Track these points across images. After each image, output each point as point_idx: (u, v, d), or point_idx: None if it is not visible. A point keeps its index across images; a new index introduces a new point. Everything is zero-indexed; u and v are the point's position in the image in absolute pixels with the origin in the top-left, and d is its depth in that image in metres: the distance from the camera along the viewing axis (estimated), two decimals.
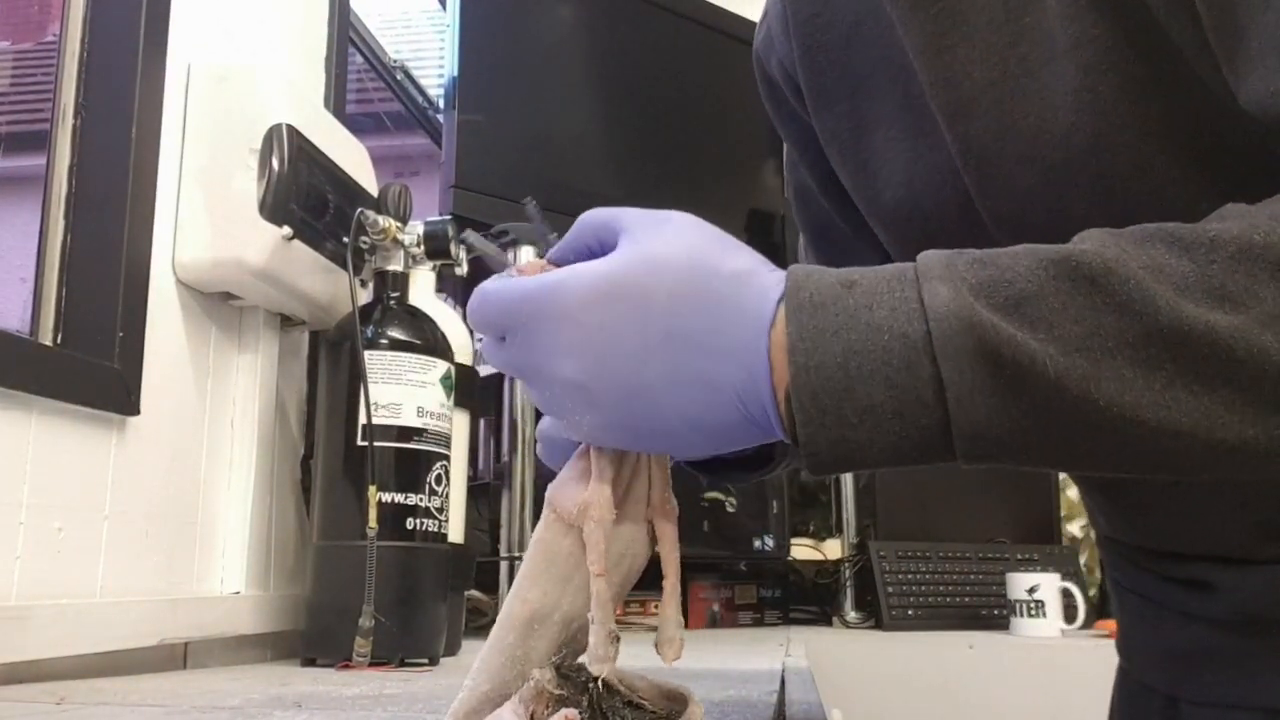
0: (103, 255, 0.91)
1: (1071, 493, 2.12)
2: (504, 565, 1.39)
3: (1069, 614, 1.73)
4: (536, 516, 0.48)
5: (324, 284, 1.11)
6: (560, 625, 0.43)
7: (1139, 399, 0.35)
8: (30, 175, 1.10)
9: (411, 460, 1.01)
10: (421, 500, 1.01)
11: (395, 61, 1.89)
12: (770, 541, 1.82)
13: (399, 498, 0.99)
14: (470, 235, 0.55)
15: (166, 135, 0.98)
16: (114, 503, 0.89)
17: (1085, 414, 0.35)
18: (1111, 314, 0.35)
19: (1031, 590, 1.73)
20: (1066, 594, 1.73)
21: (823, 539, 2.04)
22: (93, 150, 0.93)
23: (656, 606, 0.45)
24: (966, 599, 1.88)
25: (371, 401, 0.98)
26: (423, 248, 1.09)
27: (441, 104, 1.69)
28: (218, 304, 1.07)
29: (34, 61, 1.68)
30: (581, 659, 0.42)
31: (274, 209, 1.00)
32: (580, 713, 0.40)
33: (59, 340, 0.90)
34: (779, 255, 0.42)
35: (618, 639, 0.42)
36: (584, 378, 0.39)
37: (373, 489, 0.96)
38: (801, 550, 1.99)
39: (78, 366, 0.87)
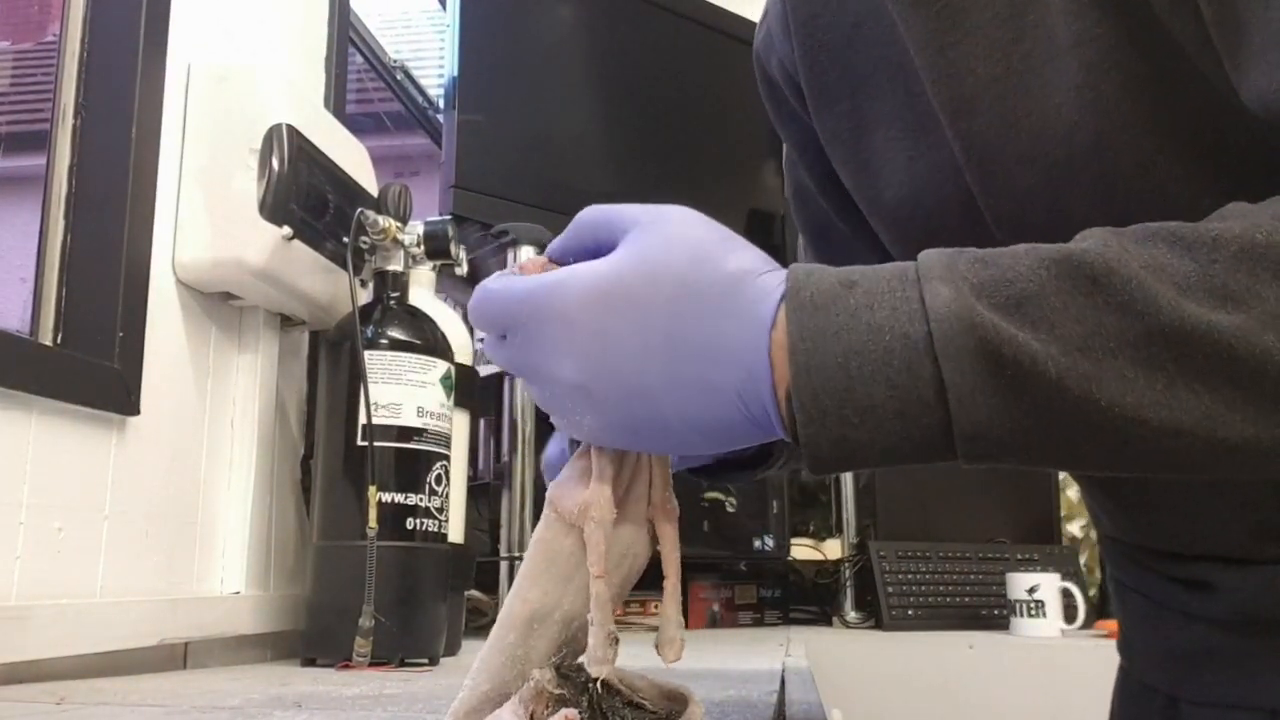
0: (103, 255, 0.91)
1: (1071, 493, 2.12)
2: (504, 565, 1.39)
3: (1069, 614, 1.73)
4: (536, 516, 0.48)
5: (324, 284, 1.11)
6: (561, 625, 0.43)
7: (1140, 399, 0.35)
8: (30, 175, 1.10)
9: (411, 460, 1.01)
10: (421, 500, 1.01)
11: (395, 61, 1.89)
12: (770, 541, 1.82)
13: (399, 498, 0.99)
14: None
15: (166, 135, 0.98)
16: (114, 503, 0.89)
17: (1087, 414, 0.35)
18: (1113, 313, 0.35)
19: (1031, 590, 1.73)
20: (1066, 594, 1.73)
21: (823, 539, 2.04)
22: (93, 150, 0.93)
23: (657, 606, 0.46)
24: (966, 599, 1.88)
25: (371, 401, 0.98)
26: (423, 248, 1.09)
27: (441, 104, 1.69)
28: (218, 304, 1.07)
29: (34, 61, 1.68)
30: (581, 659, 0.42)
31: (274, 209, 1.00)
32: (580, 713, 0.40)
33: (59, 340, 0.90)
34: (779, 255, 0.42)
35: (617, 640, 0.42)
36: (584, 378, 0.39)
37: (373, 489, 0.96)
38: (801, 550, 1.99)
39: (78, 366, 0.87)
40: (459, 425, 1.13)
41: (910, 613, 1.82)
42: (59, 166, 0.92)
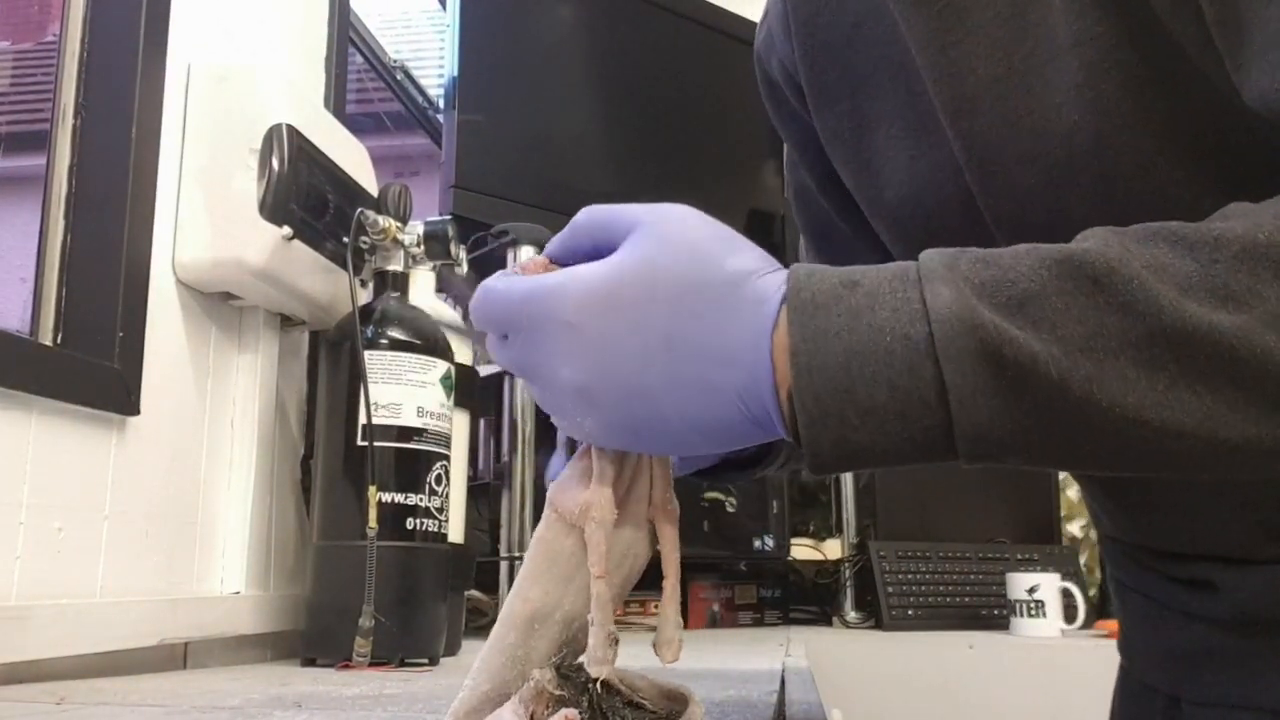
0: (103, 255, 0.91)
1: (1071, 493, 2.12)
2: (504, 565, 1.39)
3: (1069, 614, 1.73)
4: (536, 516, 0.48)
5: (324, 284, 1.11)
6: (561, 625, 0.43)
7: (1142, 399, 0.35)
8: (30, 175, 1.10)
9: (411, 460, 1.01)
10: (421, 500, 1.01)
11: (395, 61, 1.89)
12: (770, 541, 1.82)
13: (399, 498, 0.99)
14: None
15: (166, 135, 0.98)
16: (114, 503, 0.89)
17: (1088, 414, 0.35)
18: (1114, 314, 0.35)
19: (1031, 590, 1.73)
20: (1066, 594, 1.73)
21: (823, 539, 2.04)
22: (93, 150, 0.93)
23: (656, 606, 0.45)
24: (966, 599, 1.88)
25: (371, 401, 0.98)
26: (423, 248, 1.09)
27: (441, 104, 1.69)
28: (218, 304, 1.07)
29: (34, 61, 1.68)
30: (581, 659, 0.42)
31: (274, 209, 1.00)
32: (580, 713, 0.40)
33: (59, 340, 0.90)
34: (779, 255, 0.42)
35: (617, 641, 0.42)
36: (584, 380, 0.39)
37: (373, 489, 0.96)
38: (801, 550, 1.99)
39: (78, 366, 0.87)
40: (459, 425, 1.13)
41: (910, 613, 1.82)
42: (59, 166, 0.92)
